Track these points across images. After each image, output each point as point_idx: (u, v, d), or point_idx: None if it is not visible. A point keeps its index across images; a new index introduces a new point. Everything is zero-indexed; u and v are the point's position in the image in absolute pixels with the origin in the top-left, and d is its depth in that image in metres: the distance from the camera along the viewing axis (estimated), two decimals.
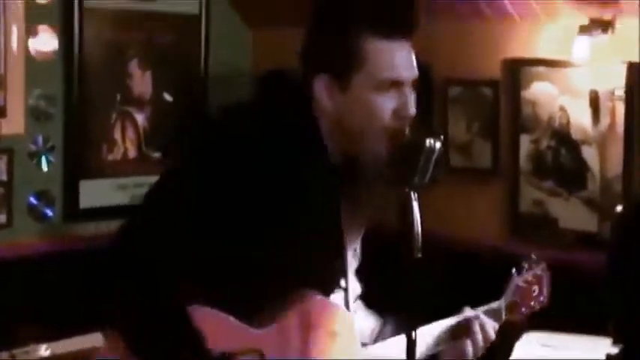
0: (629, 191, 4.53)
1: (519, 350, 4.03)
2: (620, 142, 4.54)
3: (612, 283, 4.01)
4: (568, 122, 4.70)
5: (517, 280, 2.83)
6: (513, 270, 2.84)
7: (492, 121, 4.97)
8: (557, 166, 4.77)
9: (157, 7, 5.40)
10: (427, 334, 2.68)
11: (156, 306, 2.45)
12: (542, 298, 2.88)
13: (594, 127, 4.62)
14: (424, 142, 2.36)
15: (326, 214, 2.61)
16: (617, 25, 4.46)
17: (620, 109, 4.54)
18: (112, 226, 4.88)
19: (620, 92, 4.53)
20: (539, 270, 2.89)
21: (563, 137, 4.73)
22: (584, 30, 4.50)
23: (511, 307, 2.81)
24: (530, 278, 2.85)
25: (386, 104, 2.50)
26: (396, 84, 2.50)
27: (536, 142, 4.82)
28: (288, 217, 2.52)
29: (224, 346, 2.45)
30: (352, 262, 2.75)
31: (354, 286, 2.77)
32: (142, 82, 5.40)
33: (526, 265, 2.86)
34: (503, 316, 2.80)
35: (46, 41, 5.02)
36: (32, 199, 5.02)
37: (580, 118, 4.66)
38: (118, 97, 5.31)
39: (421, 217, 2.33)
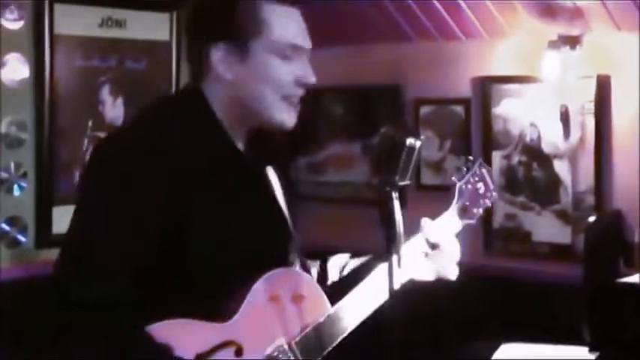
0: (600, 203, 4.58)
1: None
2: (590, 156, 4.62)
3: (587, 293, 4.06)
4: (539, 137, 4.77)
5: (460, 185, 2.85)
6: (454, 177, 2.86)
7: (464, 138, 5.05)
8: (529, 181, 4.83)
9: (127, 34, 5.37)
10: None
11: (111, 336, 2.38)
12: (490, 194, 2.90)
13: (565, 141, 4.70)
14: (405, 141, 2.34)
15: (240, 188, 2.57)
16: (585, 40, 4.51)
17: (590, 122, 4.61)
18: None
19: (590, 106, 4.59)
20: (477, 167, 2.90)
21: (534, 152, 4.79)
22: (552, 46, 4.57)
23: (463, 211, 2.83)
24: (471, 179, 2.87)
25: (287, 70, 2.49)
26: (296, 50, 2.50)
27: (508, 157, 4.89)
28: (205, 201, 2.48)
29: (196, 350, 2.43)
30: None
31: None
32: (113, 108, 5.35)
33: (465, 168, 2.88)
34: (460, 222, 2.83)
35: (16, 68, 4.97)
36: (4, 226, 4.98)
37: (551, 133, 4.74)
38: (90, 123, 5.25)
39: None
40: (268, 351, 2.52)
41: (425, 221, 2.77)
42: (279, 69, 2.49)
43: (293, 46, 2.50)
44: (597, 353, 4.04)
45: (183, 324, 2.43)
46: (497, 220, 4.90)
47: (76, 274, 2.40)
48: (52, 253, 5.02)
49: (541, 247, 4.74)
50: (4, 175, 4.96)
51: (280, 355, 2.53)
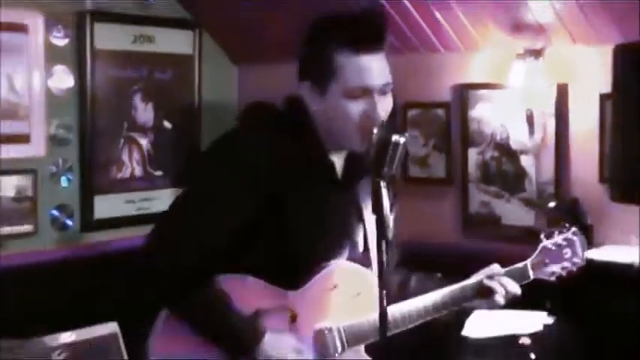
0: (560, 192, 4.60)
1: (471, 327, 4.10)
2: (551, 152, 4.63)
3: None
4: (508, 136, 4.78)
5: (545, 243, 2.79)
6: (542, 235, 2.81)
7: (445, 137, 5.01)
8: (500, 173, 4.83)
9: (156, 48, 5.41)
10: (448, 295, 2.71)
11: (187, 283, 2.54)
12: (576, 260, 2.80)
13: (530, 139, 4.71)
14: (391, 138, 2.34)
15: (329, 191, 2.65)
16: (547, 53, 4.52)
17: (552, 124, 4.62)
18: (121, 233, 5.06)
19: (551, 110, 4.60)
20: (571, 234, 2.81)
21: (504, 149, 4.80)
22: (519, 57, 4.57)
23: (538, 266, 2.77)
24: (560, 242, 2.80)
25: (355, 108, 2.52)
26: (364, 91, 2.51)
27: (482, 153, 4.88)
28: (295, 195, 2.59)
29: (257, 305, 2.55)
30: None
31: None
32: (145, 112, 5.41)
33: (557, 231, 2.81)
34: (531, 275, 2.76)
35: (62, 78, 5.02)
36: (54, 212, 5.02)
37: (518, 133, 4.74)
38: (125, 125, 5.30)
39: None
40: (317, 327, 2.61)
41: (495, 267, 2.75)
42: (349, 108, 2.53)
43: (362, 88, 2.52)
44: (554, 317, 4.12)
45: (251, 282, 2.57)
46: (474, 206, 4.91)
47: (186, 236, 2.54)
48: (94, 235, 5.19)
49: (510, 230, 4.77)
50: (54, 169, 5.02)
51: (327, 333, 2.61)
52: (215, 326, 2.56)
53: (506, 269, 2.75)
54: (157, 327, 2.62)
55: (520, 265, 2.77)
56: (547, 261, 2.78)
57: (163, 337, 2.62)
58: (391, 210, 2.71)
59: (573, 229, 2.83)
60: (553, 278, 2.79)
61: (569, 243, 2.81)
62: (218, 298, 2.55)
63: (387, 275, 2.29)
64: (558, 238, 2.81)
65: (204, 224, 2.55)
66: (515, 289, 2.73)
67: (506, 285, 2.71)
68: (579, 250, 2.81)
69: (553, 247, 2.80)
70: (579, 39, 4.48)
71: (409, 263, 2.92)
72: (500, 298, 2.70)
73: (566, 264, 2.80)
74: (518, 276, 2.76)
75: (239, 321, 2.54)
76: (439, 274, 2.86)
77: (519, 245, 4.37)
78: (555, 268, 2.79)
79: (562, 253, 2.80)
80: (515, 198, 4.81)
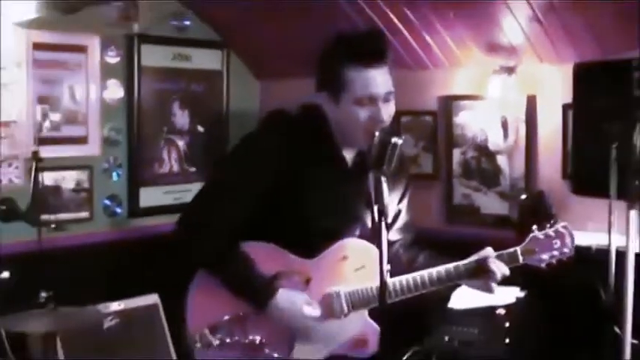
0: (529, 186, 4.59)
1: (456, 300, 4.07)
2: (522, 152, 4.62)
3: None
4: (486, 139, 4.76)
5: (535, 233, 2.68)
6: (534, 226, 2.70)
7: (432, 139, 4.98)
8: (479, 170, 4.81)
9: (192, 65, 5.41)
10: (444, 272, 2.64)
11: (219, 247, 2.60)
12: (566, 250, 2.69)
13: (504, 142, 4.69)
14: (390, 140, 2.36)
15: (341, 179, 2.66)
16: (519, 69, 4.52)
17: (523, 129, 4.61)
18: (162, 219, 5.07)
19: (522, 117, 4.59)
20: (561, 227, 2.70)
21: (483, 150, 4.78)
22: (495, 73, 4.57)
23: (527, 253, 2.66)
24: (550, 233, 2.68)
25: (363, 114, 2.54)
26: (370, 99, 2.53)
27: (464, 153, 4.85)
28: (312, 183, 2.62)
29: (277, 268, 2.59)
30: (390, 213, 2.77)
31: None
32: (181, 118, 5.41)
33: (548, 224, 2.70)
34: (520, 260, 2.66)
35: (114, 90, 5.04)
36: (106, 201, 5.04)
37: (494, 136, 4.73)
38: (165, 128, 5.32)
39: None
40: (326, 291, 2.62)
41: (489, 250, 2.67)
42: (358, 113, 2.55)
43: (368, 96, 2.53)
44: (525, 291, 4.12)
45: (273, 248, 2.60)
46: (456, 198, 4.89)
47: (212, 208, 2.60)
48: (140, 221, 5.22)
49: (487, 218, 4.76)
50: (106, 165, 5.03)
51: (334, 296, 2.61)
52: (239, 283, 2.60)
53: (498, 253, 2.67)
54: (194, 282, 2.66)
55: (511, 250, 2.68)
56: (537, 249, 2.68)
57: (200, 290, 2.65)
58: (401, 200, 2.81)
59: (563, 223, 2.72)
60: (543, 265, 2.69)
61: (558, 235, 2.70)
62: (243, 260, 2.59)
63: (389, 251, 2.28)
64: (548, 230, 2.70)
65: (231, 198, 2.60)
66: (506, 270, 2.65)
67: (500, 266, 2.64)
68: (568, 241, 2.70)
69: (542, 237, 2.69)
70: (545, 58, 4.47)
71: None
72: (495, 278, 2.64)
73: (555, 253, 2.69)
74: (508, 259, 2.67)
75: (258, 280, 2.58)
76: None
77: (495, 231, 4.50)
78: (545, 256, 2.69)
79: (552, 244, 2.69)
80: (492, 191, 4.78)
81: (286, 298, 2.59)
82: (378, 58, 2.57)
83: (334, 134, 2.66)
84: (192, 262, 2.66)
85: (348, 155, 2.70)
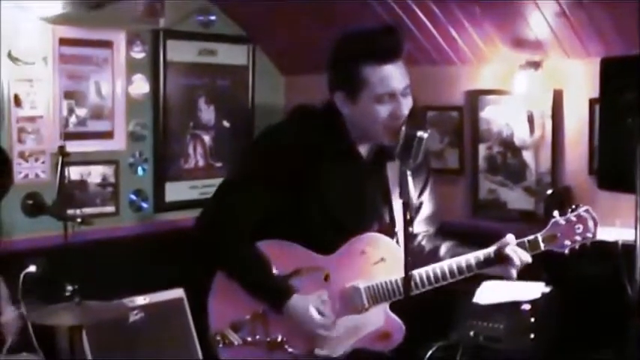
0: (555, 181, 4.56)
1: (481, 295, 4.09)
2: (548, 147, 4.59)
3: None
4: (512, 134, 4.73)
5: (557, 219, 2.63)
6: (555, 212, 2.65)
7: (458, 135, 4.98)
8: (504, 165, 4.78)
9: (217, 60, 5.41)
10: (467, 261, 2.62)
11: (236, 248, 2.62)
12: (589, 234, 2.62)
13: (530, 137, 4.66)
14: (416, 134, 2.37)
15: (357, 173, 2.67)
16: (545, 64, 4.50)
17: (549, 124, 4.58)
18: (187, 214, 5.07)
19: (548, 112, 4.56)
20: (583, 212, 2.63)
21: (508, 144, 4.75)
22: (521, 68, 4.55)
23: (549, 239, 2.62)
24: (572, 218, 2.62)
25: (384, 110, 2.54)
26: (390, 95, 2.54)
27: (489, 148, 4.83)
28: (331, 178, 2.62)
29: (295, 266, 2.60)
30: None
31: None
32: (207, 113, 5.41)
33: (570, 209, 2.64)
34: (542, 246, 2.62)
35: (140, 85, 5.05)
36: (132, 196, 5.06)
37: (520, 131, 4.70)
38: (191, 124, 5.33)
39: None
40: (346, 286, 2.62)
41: (510, 237, 2.63)
42: (379, 110, 2.55)
43: (388, 93, 2.54)
44: (551, 287, 4.11)
45: (289, 245, 2.61)
46: (482, 193, 4.87)
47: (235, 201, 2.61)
48: (165, 215, 5.23)
49: (513, 213, 4.73)
50: (132, 160, 5.05)
51: (354, 291, 2.62)
52: (255, 284, 2.62)
53: (519, 240, 2.63)
54: (215, 280, 2.68)
55: (531, 237, 2.64)
56: (559, 235, 2.62)
57: (220, 288, 2.67)
58: (422, 193, 2.79)
59: (585, 207, 2.66)
60: (566, 250, 2.63)
61: (581, 219, 2.63)
62: (258, 261, 2.60)
63: (412, 245, 2.28)
64: (570, 215, 2.64)
65: (252, 194, 2.61)
66: (527, 257, 2.62)
67: (519, 253, 2.60)
68: (591, 225, 2.63)
69: (564, 222, 2.63)
70: (571, 53, 4.45)
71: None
72: (514, 265, 2.59)
73: (578, 237, 2.63)
74: (530, 246, 2.63)
75: (273, 281, 2.59)
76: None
77: (521, 226, 4.38)
78: (567, 241, 2.63)
79: (574, 228, 2.63)
80: (518, 186, 4.76)
81: (301, 305, 2.59)
82: (394, 53, 2.56)
83: (350, 130, 2.65)
84: (211, 261, 2.68)
85: (363, 150, 2.70)
